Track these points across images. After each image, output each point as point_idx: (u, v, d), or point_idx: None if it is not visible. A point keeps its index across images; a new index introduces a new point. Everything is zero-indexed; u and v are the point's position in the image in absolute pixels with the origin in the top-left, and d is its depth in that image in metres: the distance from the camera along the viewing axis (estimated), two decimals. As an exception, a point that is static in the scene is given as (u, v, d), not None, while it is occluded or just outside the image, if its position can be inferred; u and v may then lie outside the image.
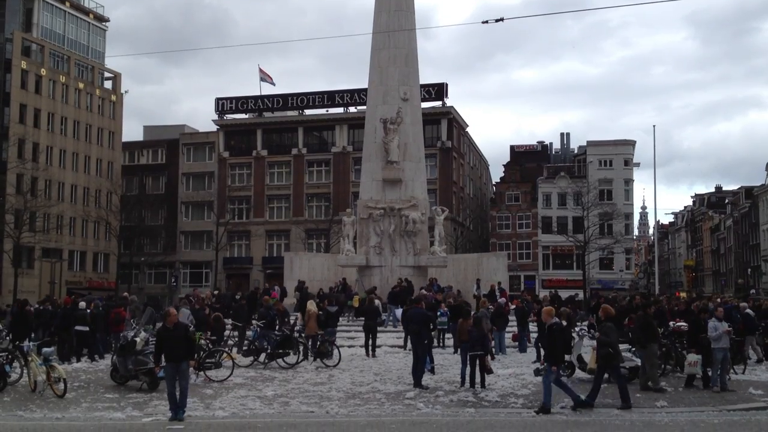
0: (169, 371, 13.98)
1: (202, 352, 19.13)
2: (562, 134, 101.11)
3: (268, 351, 21.98)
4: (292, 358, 22.02)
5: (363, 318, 26.61)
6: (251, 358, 22.37)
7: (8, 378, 17.81)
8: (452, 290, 33.12)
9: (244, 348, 23.18)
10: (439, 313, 25.71)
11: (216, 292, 38.86)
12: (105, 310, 25.64)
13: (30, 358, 17.60)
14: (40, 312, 26.87)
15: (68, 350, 23.45)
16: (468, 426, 12.81)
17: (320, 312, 24.50)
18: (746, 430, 12.23)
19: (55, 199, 69.22)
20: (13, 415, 14.43)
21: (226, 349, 21.51)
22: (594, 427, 12.53)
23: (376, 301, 28.44)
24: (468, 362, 17.34)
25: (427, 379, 18.07)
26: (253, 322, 24.72)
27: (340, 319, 32.44)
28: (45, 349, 17.38)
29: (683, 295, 61.12)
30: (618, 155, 78.53)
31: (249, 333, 23.77)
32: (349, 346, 25.61)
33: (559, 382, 14.52)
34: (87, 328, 23.84)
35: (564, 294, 41.78)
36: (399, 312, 30.90)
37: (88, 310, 24.24)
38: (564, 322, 15.93)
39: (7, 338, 24.32)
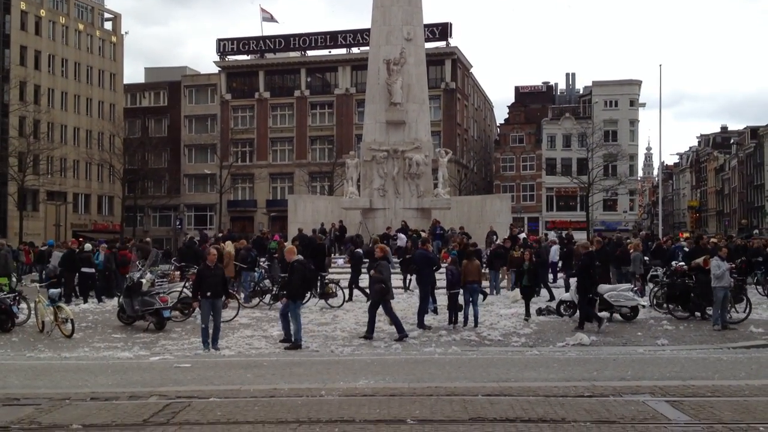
0: (205, 307, 14.91)
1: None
2: (567, 74, 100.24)
3: (273, 292, 22.16)
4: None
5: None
6: (257, 299, 22.59)
7: (16, 319, 18.04)
8: (456, 232, 32.67)
9: (249, 290, 23.34)
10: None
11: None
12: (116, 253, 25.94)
13: (37, 299, 17.81)
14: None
15: (71, 291, 23.68)
16: (470, 364, 12.97)
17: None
18: (746, 366, 12.36)
19: (57, 142, 69.17)
20: (21, 355, 14.65)
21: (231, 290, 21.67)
22: (595, 364, 12.68)
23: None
24: (452, 298, 17.86)
25: (429, 319, 18.24)
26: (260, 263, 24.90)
27: (341, 261, 32.57)
28: (51, 290, 17.56)
29: (686, 235, 61.11)
30: (624, 95, 77.84)
31: (255, 275, 23.93)
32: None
33: (285, 316, 15.29)
34: (93, 270, 24.06)
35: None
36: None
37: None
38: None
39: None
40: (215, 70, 78.82)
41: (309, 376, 11.71)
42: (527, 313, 18.97)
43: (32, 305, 18.71)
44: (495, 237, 31.94)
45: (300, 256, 16.24)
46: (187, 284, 20.21)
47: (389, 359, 13.59)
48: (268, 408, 9.19)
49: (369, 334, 16.03)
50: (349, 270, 25.02)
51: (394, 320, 16.10)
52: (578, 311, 17.63)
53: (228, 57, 78.12)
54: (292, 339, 15.12)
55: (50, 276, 24.58)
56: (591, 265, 17.58)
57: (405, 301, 22.77)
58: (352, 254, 25.40)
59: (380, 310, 16.25)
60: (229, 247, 24.16)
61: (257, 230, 55.59)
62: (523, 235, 33.43)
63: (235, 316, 19.12)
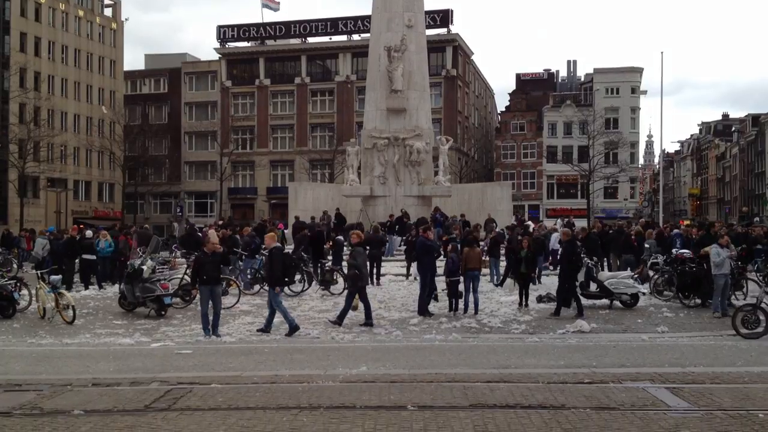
0: (204, 293, 15.06)
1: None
2: (569, 61, 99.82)
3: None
4: (297, 286, 22.22)
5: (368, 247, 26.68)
6: (257, 286, 22.61)
7: (17, 305, 18.08)
8: (456, 220, 32.64)
9: (249, 277, 23.34)
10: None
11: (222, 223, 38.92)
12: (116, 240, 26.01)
13: (39, 286, 17.84)
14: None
15: (70, 278, 23.68)
16: (471, 350, 13.00)
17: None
18: (746, 354, 12.39)
19: (58, 129, 69.06)
20: (22, 341, 14.69)
21: (233, 277, 21.71)
22: (595, 350, 12.72)
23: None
24: (451, 285, 17.81)
25: (430, 306, 18.24)
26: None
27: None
28: (52, 277, 17.59)
29: (686, 222, 61.15)
30: (625, 83, 77.68)
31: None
32: (354, 275, 25.73)
33: (276, 303, 15.21)
34: (94, 257, 24.07)
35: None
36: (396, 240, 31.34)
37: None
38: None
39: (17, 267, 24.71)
40: (215, 56, 78.64)
41: (310, 363, 11.75)
42: (522, 302, 18.68)
43: (33, 292, 18.76)
44: (494, 224, 31.96)
45: (278, 244, 16.27)
46: (188, 271, 20.23)
47: (390, 346, 13.63)
48: (269, 394, 9.23)
49: (368, 321, 16.09)
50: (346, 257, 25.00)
51: (346, 308, 16.14)
52: (573, 299, 17.70)
53: (228, 44, 77.93)
54: (275, 326, 15.18)
55: (34, 263, 24.70)
56: (573, 252, 17.77)
57: (405, 289, 22.82)
58: (334, 241, 25.37)
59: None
60: (212, 235, 24.30)
61: (258, 218, 55.62)
62: (529, 224, 33.47)
63: (235, 303, 19.17)
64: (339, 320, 15.97)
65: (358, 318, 16.76)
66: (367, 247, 24.72)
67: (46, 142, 64.18)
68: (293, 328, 14.92)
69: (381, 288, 23.48)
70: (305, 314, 18.02)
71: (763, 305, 14.38)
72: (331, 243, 25.24)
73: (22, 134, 61.03)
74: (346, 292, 21.99)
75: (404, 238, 28.94)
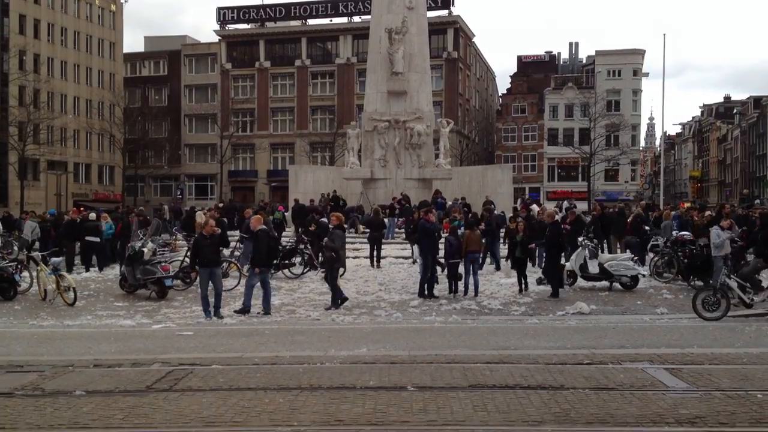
0: (204, 276, 15.17)
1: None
2: (570, 44, 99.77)
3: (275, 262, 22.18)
4: (297, 269, 22.27)
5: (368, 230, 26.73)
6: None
7: (18, 287, 18.13)
8: (457, 203, 32.63)
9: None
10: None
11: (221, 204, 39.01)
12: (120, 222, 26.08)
13: (39, 268, 17.89)
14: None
15: (71, 260, 23.72)
16: (471, 332, 13.05)
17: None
18: (745, 335, 12.43)
19: (58, 111, 68.92)
20: (24, 323, 14.74)
21: (233, 260, 21.74)
22: (595, 332, 12.76)
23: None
24: (451, 269, 17.88)
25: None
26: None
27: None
28: (53, 259, 17.62)
29: (687, 204, 61.09)
30: (627, 65, 77.39)
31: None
32: (354, 257, 25.78)
33: (250, 285, 15.36)
34: (98, 239, 24.11)
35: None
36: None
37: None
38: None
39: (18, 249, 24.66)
40: (215, 39, 78.37)
41: (310, 344, 11.78)
42: (519, 287, 18.29)
43: (34, 274, 18.81)
44: (493, 206, 31.94)
45: (264, 226, 16.30)
46: (188, 253, 20.26)
47: (390, 328, 13.68)
48: (269, 375, 9.27)
49: (335, 303, 16.01)
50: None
51: (333, 289, 16.16)
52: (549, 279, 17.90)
53: (228, 26, 77.64)
54: (262, 308, 15.31)
55: (22, 247, 24.70)
56: (558, 234, 17.90)
57: (405, 271, 22.87)
58: (318, 224, 25.30)
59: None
60: (199, 218, 24.38)
61: (258, 200, 55.64)
62: (535, 207, 33.44)
63: (236, 285, 19.21)
64: (334, 304, 15.96)
65: (357, 301, 16.82)
66: (368, 230, 24.83)
67: (46, 125, 64.09)
68: (245, 309, 15.14)
69: (381, 270, 23.53)
70: (305, 296, 18.07)
71: (723, 287, 14.43)
72: (314, 226, 25.11)
73: (22, 117, 60.95)
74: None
75: (404, 220, 28.94)
